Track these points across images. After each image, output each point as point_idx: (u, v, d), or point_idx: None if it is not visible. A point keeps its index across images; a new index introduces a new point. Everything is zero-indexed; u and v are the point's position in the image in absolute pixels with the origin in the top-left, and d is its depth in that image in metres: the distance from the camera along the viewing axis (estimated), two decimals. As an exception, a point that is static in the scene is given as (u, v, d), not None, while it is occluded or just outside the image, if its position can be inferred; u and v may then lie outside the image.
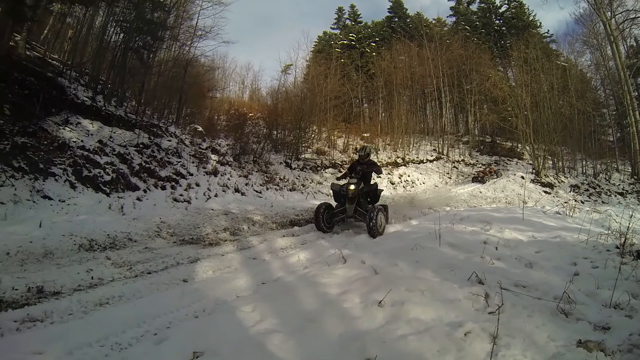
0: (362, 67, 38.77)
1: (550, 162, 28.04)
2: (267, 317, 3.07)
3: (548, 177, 26.14)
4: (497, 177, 25.46)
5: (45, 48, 17.12)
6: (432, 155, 29.72)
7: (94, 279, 4.59)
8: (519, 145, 31.09)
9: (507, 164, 29.96)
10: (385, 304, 3.04)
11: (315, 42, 45.66)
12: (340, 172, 22.56)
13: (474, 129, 35.10)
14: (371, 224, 7.61)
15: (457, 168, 28.46)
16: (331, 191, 9.44)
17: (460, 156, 30.91)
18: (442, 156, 30.11)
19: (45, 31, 19.45)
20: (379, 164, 11.92)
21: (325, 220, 8.59)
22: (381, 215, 8.16)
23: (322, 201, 9.74)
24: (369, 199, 9.27)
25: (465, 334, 2.60)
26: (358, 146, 26.81)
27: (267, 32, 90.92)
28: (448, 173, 27.29)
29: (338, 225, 9.03)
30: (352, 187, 8.56)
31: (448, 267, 3.99)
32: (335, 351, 2.50)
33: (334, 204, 9.18)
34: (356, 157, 10.61)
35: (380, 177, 12.48)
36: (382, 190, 10.86)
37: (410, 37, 38.59)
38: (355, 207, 8.65)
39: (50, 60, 15.20)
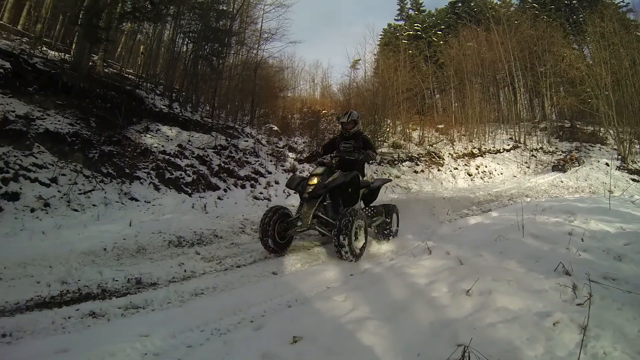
0: (431, 57, 37.88)
1: (638, 147, 25.63)
2: (359, 305, 3.16)
3: (636, 163, 24.15)
4: (579, 165, 23.86)
5: (120, 64, 18.63)
6: (508, 144, 28.31)
7: (186, 272, 4.92)
8: (601, 129, 28.65)
9: (589, 150, 27.77)
10: (472, 293, 3.06)
11: (381, 35, 45.23)
12: (415, 164, 22.09)
13: (551, 114, 33.15)
14: (336, 236, 5.06)
15: (535, 157, 26.93)
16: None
17: (538, 144, 29.14)
18: (519, 145, 28.58)
19: (119, 49, 21.12)
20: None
21: (276, 233, 5.73)
22: (358, 225, 5.33)
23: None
24: (364, 201, 6.62)
25: (553, 324, 2.56)
26: (433, 138, 26.03)
27: (332, 29, 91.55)
28: (526, 162, 25.95)
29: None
30: (315, 179, 5.68)
31: (533, 258, 3.91)
32: (428, 337, 2.55)
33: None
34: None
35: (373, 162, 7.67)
36: (390, 180, 8.97)
37: (476, 22, 36.92)
38: (316, 214, 5.70)
39: (126, 75, 16.39)
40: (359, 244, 5.35)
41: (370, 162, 6.83)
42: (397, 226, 7.06)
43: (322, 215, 5.73)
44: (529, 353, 2.29)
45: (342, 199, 6.00)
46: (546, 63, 31.67)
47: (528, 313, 2.72)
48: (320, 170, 5.80)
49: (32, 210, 6.77)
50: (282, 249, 5.87)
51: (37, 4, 15.84)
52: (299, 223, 5.78)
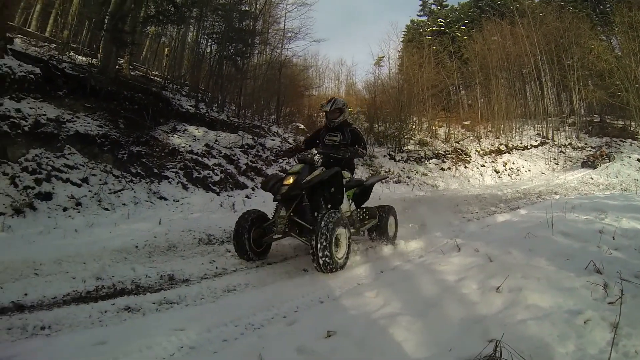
0: (455, 53, 37.39)
1: (671, 142, 25.02)
2: (390, 301, 3.16)
3: (668, 158, 23.52)
4: (610, 161, 23.27)
5: (146, 66, 19.01)
6: (536, 140, 27.86)
7: (218, 269, 4.98)
8: (632, 123, 27.84)
9: (619, 145, 26.89)
10: (502, 290, 3.03)
11: (404, 31, 44.70)
12: (442, 161, 21.88)
13: (580, 108, 32.20)
14: (313, 245, 4.42)
15: (564, 153, 26.43)
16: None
17: (566, 139, 28.54)
18: (547, 140, 28.07)
19: (144, 51, 21.51)
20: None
21: (252, 240, 5.19)
22: (340, 232, 4.72)
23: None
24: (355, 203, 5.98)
25: (584, 322, 2.53)
26: (459, 135, 25.72)
27: (355, 27, 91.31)
28: (554, 158, 25.55)
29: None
30: (290, 179, 4.94)
31: (563, 256, 3.85)
32: (459, 333, 2.56)
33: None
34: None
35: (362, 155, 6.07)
36: (387, 176, 8.07)
37: (500, 15, 36.15)
38: (292, 217, 5.06)
39: (152, 77, 16.72)
40: (341, 252, 4.76)
41: (359, 156, 5.92)
42: (395, 230, 6.40)
43: (299, 220, 5.04)
44: (560, 350, 2.27)
45: (323, 200, 5.26)
46: (573, 56, 30.71)
47: (559, 310, 2.69)
48: (297, 167, 5.12)
49: (65, 210, 7.02)
50: (260, 257, 5.37)
51: (64, 11, 16.23)
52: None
